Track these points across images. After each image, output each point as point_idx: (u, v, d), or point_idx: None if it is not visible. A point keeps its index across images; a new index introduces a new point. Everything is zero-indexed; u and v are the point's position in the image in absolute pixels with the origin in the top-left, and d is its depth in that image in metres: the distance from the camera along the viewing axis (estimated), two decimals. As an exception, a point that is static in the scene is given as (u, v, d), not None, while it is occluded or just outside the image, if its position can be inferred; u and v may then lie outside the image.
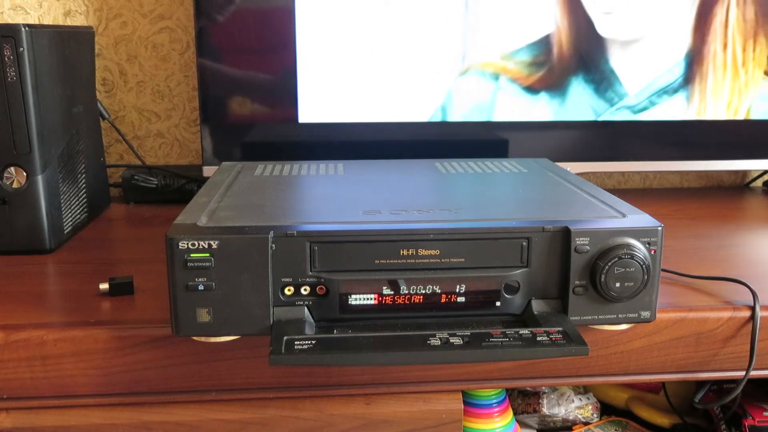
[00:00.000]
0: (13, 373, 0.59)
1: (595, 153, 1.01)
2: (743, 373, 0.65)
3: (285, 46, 0.95)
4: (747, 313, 0.65)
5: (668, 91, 0.98)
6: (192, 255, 0.54)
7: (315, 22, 0.94)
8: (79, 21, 1.06)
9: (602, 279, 0.57)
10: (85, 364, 0.60)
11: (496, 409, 0.73)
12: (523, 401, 0.85)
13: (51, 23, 1.06)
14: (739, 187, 1.20)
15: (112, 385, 0.61)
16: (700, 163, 1.04)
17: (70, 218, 0.84)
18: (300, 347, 0.53)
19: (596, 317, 0.59)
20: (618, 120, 1.00)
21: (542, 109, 0.98)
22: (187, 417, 0.62)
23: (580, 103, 0.98)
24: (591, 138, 1.01)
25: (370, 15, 0.94)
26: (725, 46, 0.96)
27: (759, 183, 1.20)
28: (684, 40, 0.98)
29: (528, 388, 0.86)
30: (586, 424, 0.84)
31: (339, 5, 0.94)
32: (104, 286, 0.66)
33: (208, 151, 0.97)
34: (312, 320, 0.57)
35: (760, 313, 0.64)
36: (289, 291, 0.56)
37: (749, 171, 1.20)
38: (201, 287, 0.54)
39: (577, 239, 0.57)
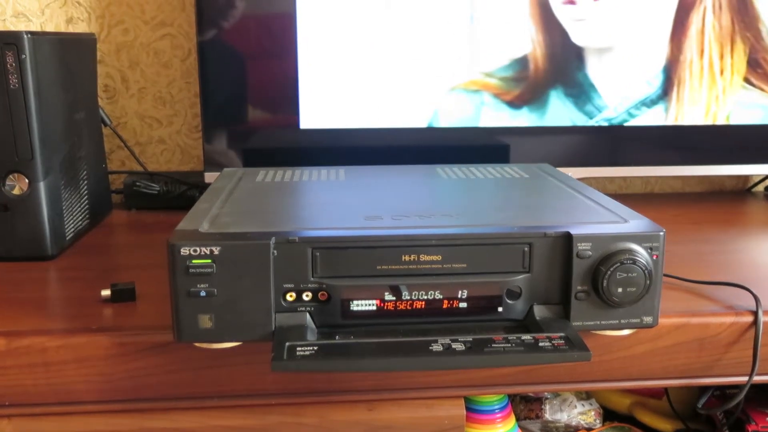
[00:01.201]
0: (15, 380, 0.59)
1: (597, 158, 1.01)
2: (746, 378, 0.65)
3: (287, 52, 0.95)
4: (750, 318, 0.64)
5: (647, 102, 0.98)
6: (194, 261, 0.54)
7: (316, 29, 0.94)
8: (81, 28, 1.06)
9: (604, 284, 0.57)
10: (86, 371, 0.60)
11: (498, 415, 0.73)
12: (525, 407, 0.85)
13: (53, 30, 1.06)
14: (740, 191, 1.20)
15: (114, 392, 0.61)
16: (702, 167, 1.04)
17: (72, 225, 0.84)
18: (302, 353, 0.53)
19: (598, 323, 0.59)
20: (618, 124, 1.00)
21: (524, 123, 0.98)
22: (188, 423, 0.62)
23: (560, 117, 0.98)
24: (592, 143, 1.01)
25: (370, 21, 0.94)
26: (702, 53, 0.96)
27: (761, 188, 1.20)
28: (662, 50, 0.97)
29: (530, 394, 0.86)
30: (588, 429, 0.84)
31: (340, 11, 0.94)
32: (106, 292, 0.66)
33: (210, 158, 0.97)
34: (314, 326, 0.57)
35: (762, 318, 0.64)
36: (290, 297, 0.56)
37: (751, 176, 1.20)
38: (203, 293, 0.54)
39: (578, 244, 0.57)
